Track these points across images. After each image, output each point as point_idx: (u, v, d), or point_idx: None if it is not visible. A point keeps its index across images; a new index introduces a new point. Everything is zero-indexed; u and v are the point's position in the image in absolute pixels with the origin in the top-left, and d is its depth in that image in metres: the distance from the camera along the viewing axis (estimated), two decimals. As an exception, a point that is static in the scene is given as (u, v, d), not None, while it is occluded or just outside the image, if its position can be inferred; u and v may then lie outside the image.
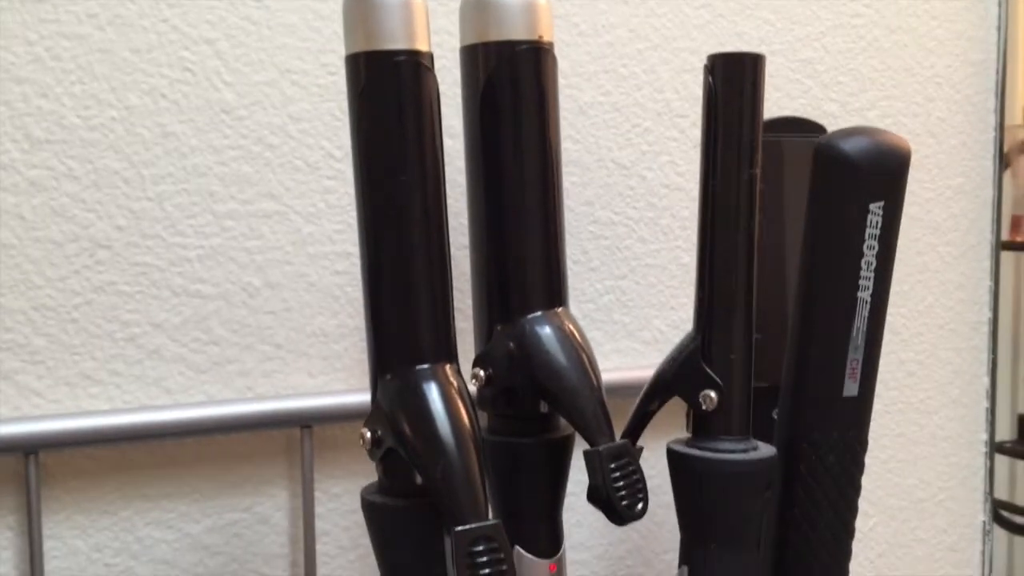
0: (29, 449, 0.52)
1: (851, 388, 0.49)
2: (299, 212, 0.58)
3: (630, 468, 0.47)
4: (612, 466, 0.47)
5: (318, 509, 0.60)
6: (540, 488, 0.52)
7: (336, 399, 0.58)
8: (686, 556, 0.49)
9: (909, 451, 0.78)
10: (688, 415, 0.50)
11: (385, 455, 0.43)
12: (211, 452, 0.57)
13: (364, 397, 0.45)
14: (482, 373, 0.51)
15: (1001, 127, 0.78)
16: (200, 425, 0.55)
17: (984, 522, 0.81)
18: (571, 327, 0.50)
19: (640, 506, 0.47)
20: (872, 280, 0.47)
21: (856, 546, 0.77)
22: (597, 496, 0.47)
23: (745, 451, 0.48)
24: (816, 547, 0.50)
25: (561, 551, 0.53)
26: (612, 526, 0.68)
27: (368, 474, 0.46)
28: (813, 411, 0.49)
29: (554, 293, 0.50)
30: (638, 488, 0.47)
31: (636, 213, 0.67)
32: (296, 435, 0.58)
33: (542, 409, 0.51)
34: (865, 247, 0.46)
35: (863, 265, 0.47)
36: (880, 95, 0.75)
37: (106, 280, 0.54)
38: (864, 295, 0.47)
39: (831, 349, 0.48)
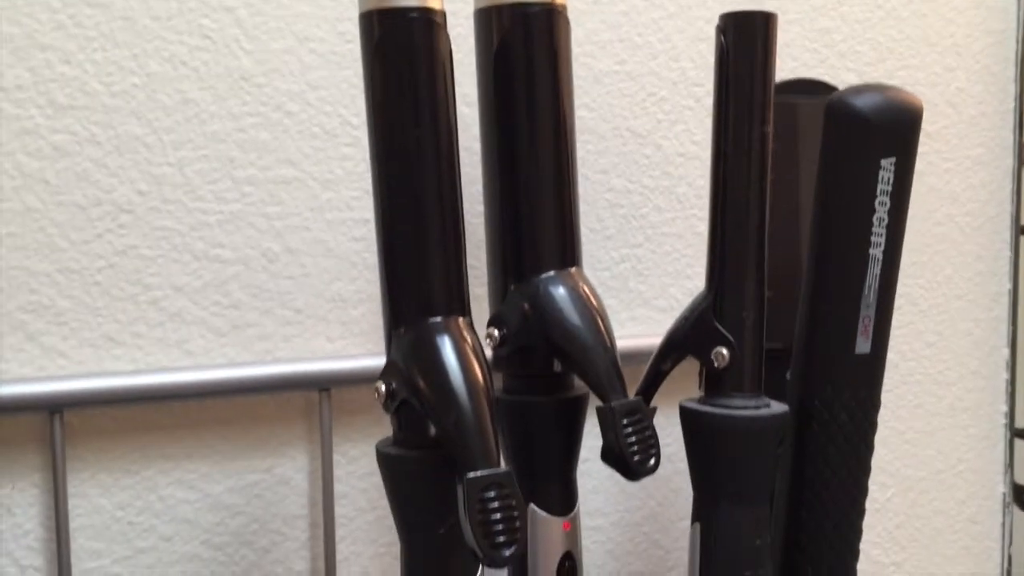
0: (54, 408, 0.53)
1: (863, 346, 0.49)
2: (317, 179, 0.59)
3: (643, 424, 0.48)
4: (625, 422, 0.47)
5: (337, 472, 0.61)
6: (554, 446, 0.52)
7: (354, 363, 0.58)
8: (698, 513, 0.49)
9: (927, 422, 0.78)
10: (700, 374, 0.51)
11: (399, 408, 0.44)
12: (231, 414, 0.58)
13: (382, 361, 0.45)
14: (496, 333, 0.51)
15: (1021, 97, 0.78)
16: (221, 387, 0.56)
17: (1004, 494, 0.81)
18: (584, 287, 0.50)
19: (652, 461, 0.48)
20: (884, 237, 0.47)
21: (874, 517, 0.77)
22: (610, 452, 0.48)
23: (757, 408, 0.48)
24: (829, 505, 0.51)
25: (575, 510, 0.53)
26: (629, 493, 0.69)
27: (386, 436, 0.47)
28: (825, 369, 0.49)
29: (567, 253, 0.51)
30: (650, 444, 0.48)
31: (652, 182, 0.68)
32: (315, 398, 0.59)
33: (556, 368, 0.52)
34: (877, 203, 0.47)
35: (875, 221, 0.47)
36: (898, 65, 0.75)
37: (128, 244, 0.55)
38: (876, 252, 0.47)
39: (843, 306, 0.48)
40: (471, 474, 0.40)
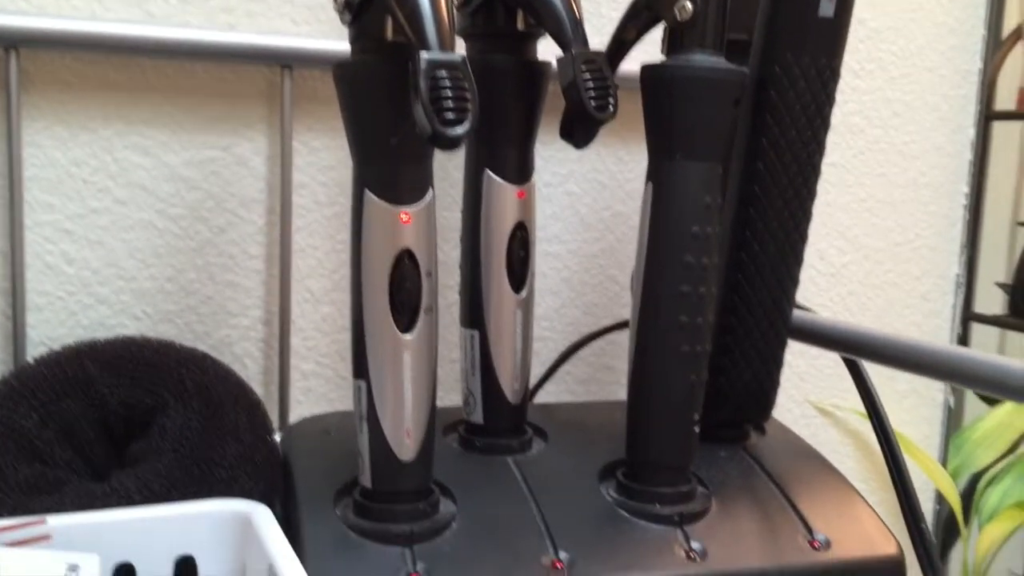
0: (9, 43, 0.52)
1: (827, 8, 0.49)
2: None
3: (601, 73, 0.48)
4: (583, 67, 0.47)
5: (296, 160, 0.60)
6: (513, 112, 0.52)
7: (318, 43, 0.58)
8: (652, 173, 0.49)
9: (888, 193, 0.78)
10: (664, 38, 0.50)
11: (358, 14, 0.43)
12: (192, 84, 0.58)
13: (347, 47, 0.44)
14: (461, -11, 0.51)
15: None
16: (181, 47, 0.55)
17: (958, 275, 0.82)
18: (552, -56, 0.50)
19: (610, 108, 0.48)
20: None
21: (828, 280, 0.78)
22: (569, 105, 0.48)
23: (716, 63, 0.48)
24: (781, 177, 0.51)
25: (531, 181, 0.53)
26: (588, 224, 0.69)
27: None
28: (787, 30, 0.49)
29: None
30: (608, 91, 0.48)
31: (630, -95, 0.67)
32: (276, 79, 0.59)
33: (519, 27, 0.51)
34: None
35: None
36: None
37: None
38: (846, -97, 0.47)
39: (809, -41, 0.48)
40: (426, 54, 0.40)
